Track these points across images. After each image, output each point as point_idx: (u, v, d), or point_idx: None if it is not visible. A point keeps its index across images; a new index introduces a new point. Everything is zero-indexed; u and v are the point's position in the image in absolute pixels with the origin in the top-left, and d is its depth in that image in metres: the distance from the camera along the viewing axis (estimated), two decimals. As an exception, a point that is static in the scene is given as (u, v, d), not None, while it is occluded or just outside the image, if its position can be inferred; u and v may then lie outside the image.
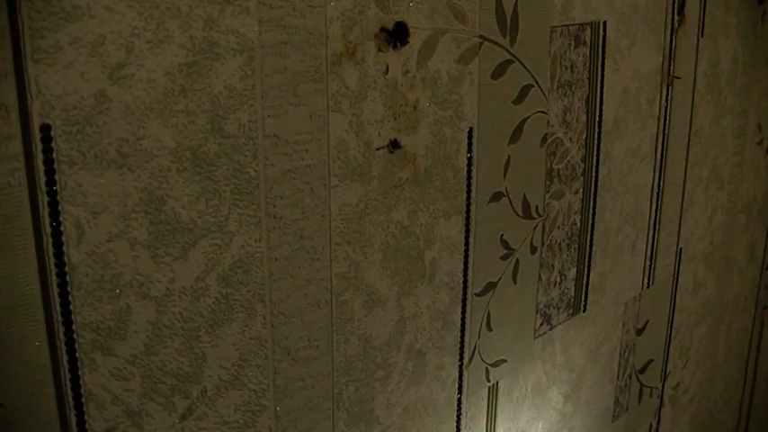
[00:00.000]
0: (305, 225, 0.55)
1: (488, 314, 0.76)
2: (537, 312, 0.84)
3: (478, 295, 0.74)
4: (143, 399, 0.47)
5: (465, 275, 0.71)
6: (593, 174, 0.87)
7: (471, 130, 0.67)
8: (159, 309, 0.47)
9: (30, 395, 0.42)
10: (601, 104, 0.86)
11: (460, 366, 0.74)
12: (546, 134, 0.77)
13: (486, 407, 0.81)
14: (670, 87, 1.00)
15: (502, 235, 0.75)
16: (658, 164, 0.99)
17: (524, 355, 0.84)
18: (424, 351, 0.69)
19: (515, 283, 0.79)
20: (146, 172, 0.44)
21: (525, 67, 0.72)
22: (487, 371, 0.78)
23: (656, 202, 1.01)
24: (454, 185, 0.67)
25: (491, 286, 0.75)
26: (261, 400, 0.55)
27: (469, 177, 0.68)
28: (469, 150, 0.68)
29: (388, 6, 0.57)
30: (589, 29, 0.82)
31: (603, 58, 0.85)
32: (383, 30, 0.57)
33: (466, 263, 0.71)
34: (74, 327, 0.43)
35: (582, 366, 0.98)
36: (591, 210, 0.88)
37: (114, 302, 0.45)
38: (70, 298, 0.43)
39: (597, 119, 0.85)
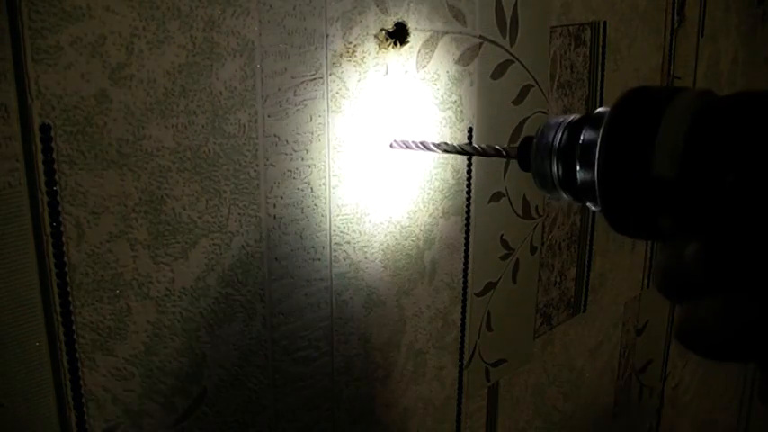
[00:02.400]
0: (305, 225, 0.55)
1: (488, 314, 0.76)
2: (537, 312, 0.85)
3: (478, 295, 0.74)
4: (143, 399, 0.47)
5: (465, 275, 0.71)
6: (593, 174, 0.86)
7: (471, 130, 0.67)
8: (159, 309, 0.47)
9: (30, 395, 0.42)
10: (601, 104, 0.86)
11: (460, 366, 0.74)
12: (546, 134, 0.77)
13: (486, 407, 0.81)
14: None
15: (502, 235, 0.75)
16: (658, 164, 0.99)
17: (524, 355, 0.84)
18: (423, 351, 0.69)
19: (515, 283, 0.79)
20: (146, 172, 0.45)
21: (525, 67, 0.72)
22: (487, 371, 0.78)
23: (656, 202, 1.01)
24: (454, 185, 0.67)
25: (491, 286, 0.75)
26: (261, 399, 0.55)
27: (469, 177, 0.69)
28: (469, 150, 0.68)
29: (388, 7, 0.57)
30: (589, 29, 0.83)
31: (603, 58, 0.85)
32: (383, 30, 0.57)
33: (466, 263, 0.71)
34: (74, 327, 0.43)
35: (582, 366, 0.98)
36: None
37: (114, 302, 0.45)
38: (70, 298, 0.43)
39: (597, 119, 0.85)
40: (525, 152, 0.42)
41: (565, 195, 0.38)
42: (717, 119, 0.28)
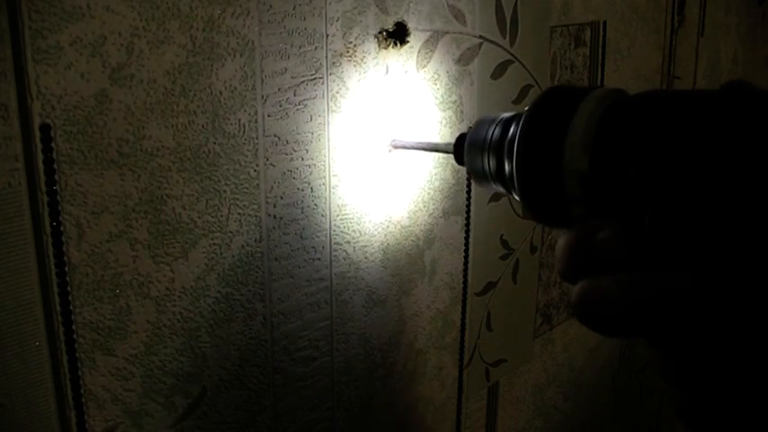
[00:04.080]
0: (305, 225, 0.55)
1: (488, 314, 0.76)
2: (537, 312, 0.85)
3: (478, 295, 0.74)
4: (143, 399, 0.47)
5: (465, 275, 0.71)
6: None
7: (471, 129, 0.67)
8: (159, 309, 0.47)
9: (30, 395, 0.42)
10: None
11: (460, 366, 0.74)
12: (546, 134, 0.77)
13: (486, 407, 0.81)
14: (670, 87, 1.00)
15: (502, 235, 0.75)
16: (658, 164, 0.99)
17: (524, 355, 0.84)
18: (423, 351, 0.69)
19: (515, 282, 0.79)
20: (146, 172, 0.45)
21: (525, 67, 0.72)
22: (487, 371, 0.78)
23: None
24: (454, 185, 0.67)
25: (491, 286, 0.75)
26: (261, 399, 0.55)
27: (470, 177, 0.69)
28: (469, 150, 0.68)
29: (388, 7, 0.57)
30: (589, 29, 0.83)
31: (603, 58, 0.85)
32: (383, 30, 0.57)
33: (466, 263, 0.71)
34: (74, 327, 0.43)
35: (582, 366, 0.98)
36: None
37: (114, 302, 0.45)
38: (70, 298, 0.43)
39: (597, 119, 0.85)
40: (459, 147, 0.45)
41: (497, 187, 0.40)
42: (624, 114, 0.30)
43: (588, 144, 0.30)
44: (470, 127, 0.42)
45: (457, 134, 0.47)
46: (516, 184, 0.34)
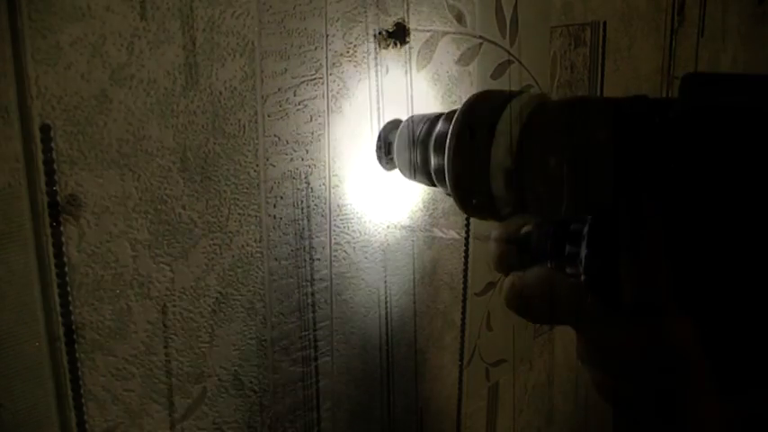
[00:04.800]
0: (305, 225, 0.55)
1: (488, 314, 0.76)
2: (537, 312, 0.85)
3: (478, 295, 0.74)
4: (143, 399, 0.47)
5: (465, 275, 0.71)
6: (593, 174, 0.86)
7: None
8: (159, 309, 0.47)
9: (30, 395, 0.42)
10: (601, 104, 0.86)
11: (460, 366, 0.74)
12: (546, 134, 0.77)
13: (486, 407, 0.81)
14: (670, 87, 1.00)
15: (502, 235, 0.75)
16: (658, 164, 0.99)
17: (524, 355, 0.84)
18: (423, 351, 0.69)
19: (515, 283, 0.79)
20: (146, 172, 0.45)
21: (525, 67, 0.72)
22: (487, 371, 0.78)
23: (656, 202, 1.01)
24: (454, 185, 0.67)
25: (491, 286, 0.75)
26: (261, 399, 0.55)
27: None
28: (469, 150, 0.68)
29: (388, 7, 0.57)
30: (589, 29, 0.83)
31: (603, 58, 0.85)
32: (383, 31, 0.57)
33: (466, 263, 0.71)
34: (74, 327, 0.43)
35: (582, 366, 0.97)
36: (591, 210, 0.88)
37: (114, 302, 0.45)
38: (70, 298, 0.43)
39: (597, 119, 0.85)
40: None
41: (422, 180, 0.43)
42: (545, 116, 0.33)
43: (513, 143, 0.33)
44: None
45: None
46: (447, 179, 0.37)
